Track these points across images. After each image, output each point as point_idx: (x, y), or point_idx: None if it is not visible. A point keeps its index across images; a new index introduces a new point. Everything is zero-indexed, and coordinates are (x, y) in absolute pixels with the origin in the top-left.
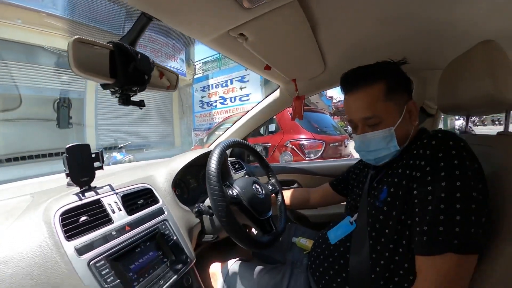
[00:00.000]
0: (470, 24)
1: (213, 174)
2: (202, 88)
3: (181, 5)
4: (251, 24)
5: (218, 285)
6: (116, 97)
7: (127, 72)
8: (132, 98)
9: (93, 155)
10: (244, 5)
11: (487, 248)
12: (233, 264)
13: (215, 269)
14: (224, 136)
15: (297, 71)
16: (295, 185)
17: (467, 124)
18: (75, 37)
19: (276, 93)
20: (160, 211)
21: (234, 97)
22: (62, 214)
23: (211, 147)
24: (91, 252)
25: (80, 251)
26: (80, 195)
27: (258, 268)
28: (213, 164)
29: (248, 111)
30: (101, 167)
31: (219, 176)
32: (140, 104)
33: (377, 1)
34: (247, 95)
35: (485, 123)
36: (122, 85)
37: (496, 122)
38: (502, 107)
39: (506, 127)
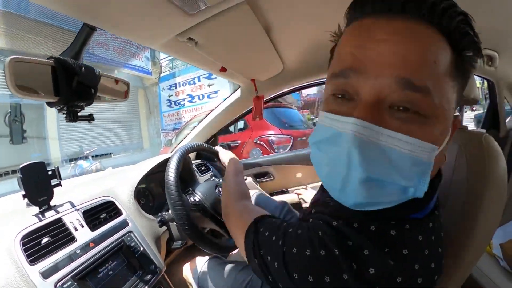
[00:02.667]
0: None
1: (171, 183)
2: (169, 87)
3: (122, 14)
4: (199, 28)
5: (193, 285)
6: (63, 114)
7: (71, 87)
8: (80, 113)
9: (50, 172)
10: (187, 10)
11: None
12: (206, 263)
13: (187, 270)
14: (186, 140)
15: (255, 71)
16: (268, 176)
17: None
18: (11, 56)
19: (237, 93)
20: (124, 223)
21: (202, 94)
22: (23, 238)
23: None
24: (56, 274)
25: (45, 274)
26: (40, 215)
27: (233, 264)
28: (171, 172)
29: (209, 112)
30: (59, 184)
31: (178, 184)
32: (89, 118)
33: (327, 8)
34: (216, 92)
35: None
36: (67, 102)
37: None
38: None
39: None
